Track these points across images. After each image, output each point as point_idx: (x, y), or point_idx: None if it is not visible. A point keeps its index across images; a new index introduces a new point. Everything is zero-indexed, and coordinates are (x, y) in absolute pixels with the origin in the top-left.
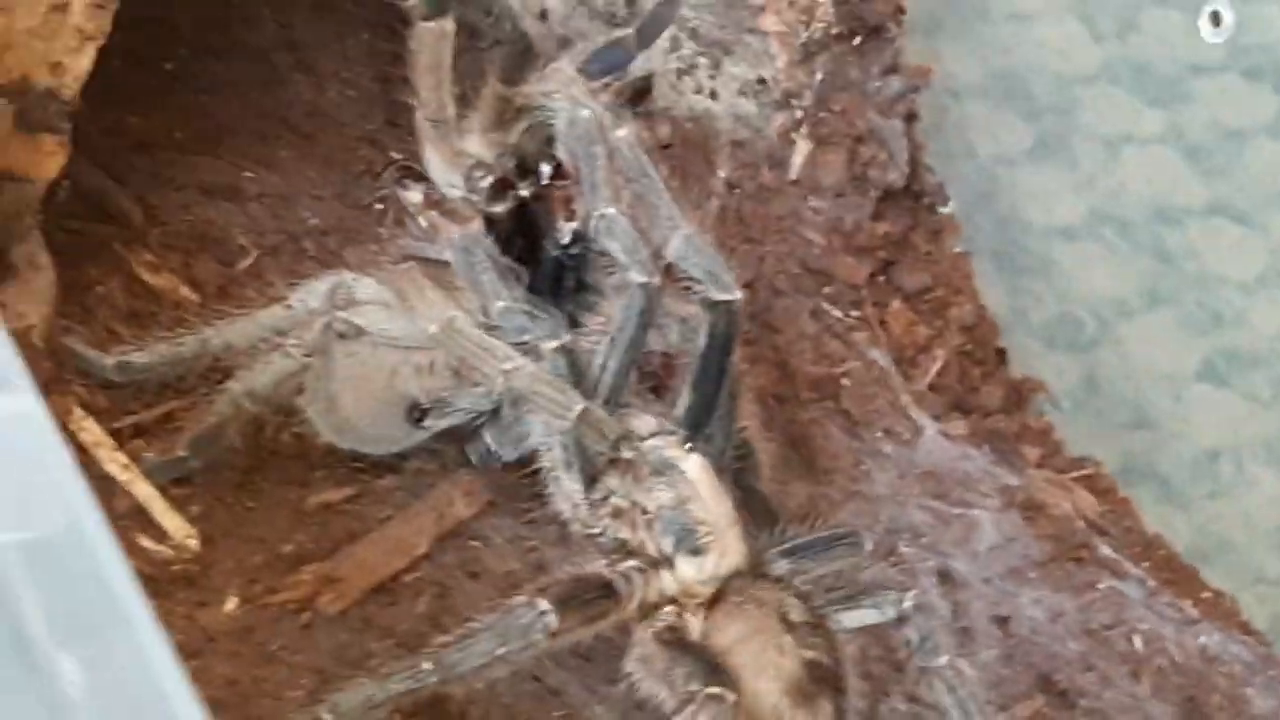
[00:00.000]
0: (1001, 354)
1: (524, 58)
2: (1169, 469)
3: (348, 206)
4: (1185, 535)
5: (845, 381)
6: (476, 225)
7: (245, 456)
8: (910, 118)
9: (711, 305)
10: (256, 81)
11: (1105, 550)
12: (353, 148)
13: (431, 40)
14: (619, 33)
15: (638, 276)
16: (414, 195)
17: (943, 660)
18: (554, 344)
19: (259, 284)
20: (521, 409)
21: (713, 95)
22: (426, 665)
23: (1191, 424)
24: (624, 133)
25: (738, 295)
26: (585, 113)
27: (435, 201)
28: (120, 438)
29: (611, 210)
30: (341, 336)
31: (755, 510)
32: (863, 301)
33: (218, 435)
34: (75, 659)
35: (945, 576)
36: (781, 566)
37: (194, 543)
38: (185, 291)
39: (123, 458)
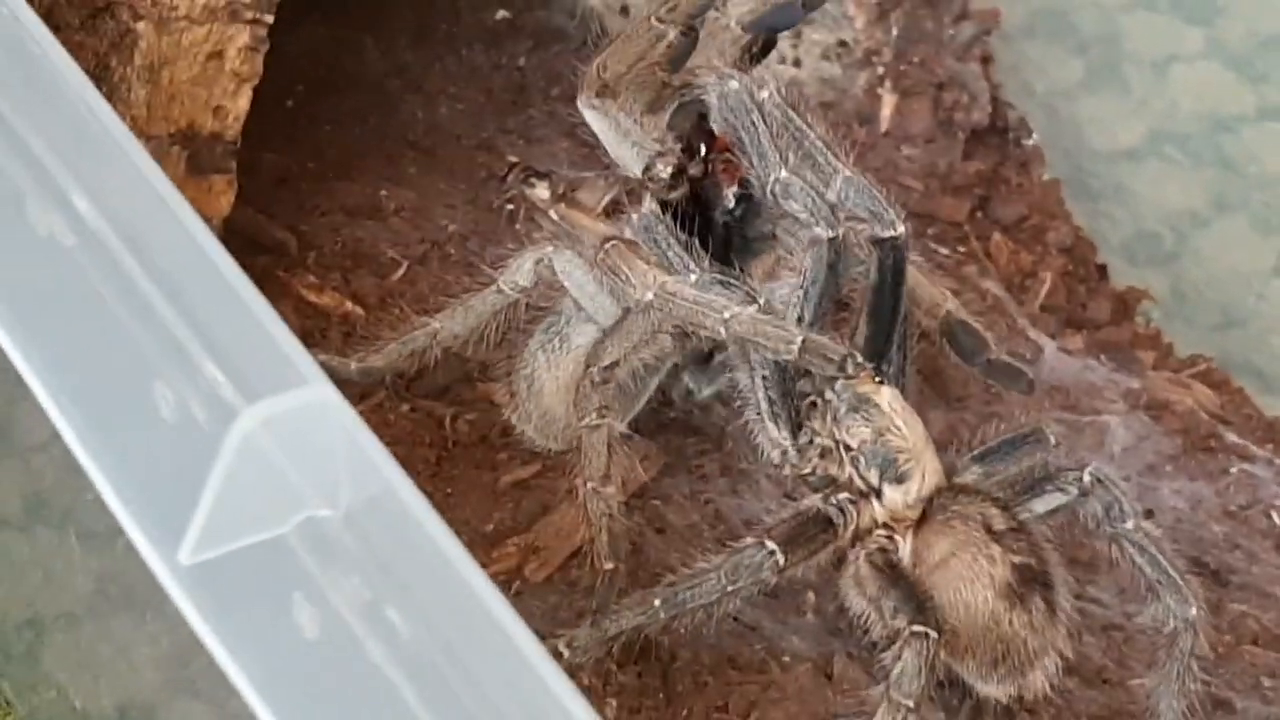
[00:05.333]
0: (1102, 269)
1: (693, 47)
2: (1264, 362)
3: (480, 210)
4: None
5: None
6: (651, 205)
7: (433, 449)
8: (986, 59)
9: (878, 243)
10: (373, 107)
11: (1231, 437)
12: (472, 156)
13: (652, 38)
14: None
15: (824, 232)
16: (541, 192)
17: (1130, 524)
18: (753, 309)
19: (415, 290)
20: (746, 353)
21: (797, 63)
22: (657, 602)
23: (1278, 317)
24: (767, 93)
25: (901, 230)
26: (733, 84)
27: (561, 195)
28: None
29: (784, 174)
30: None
31: (1000, 373)
32: (966, 237)
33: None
34: (405, 616)
35: None
36: (974, 472)
37: None
38: (350, 306)
39: None
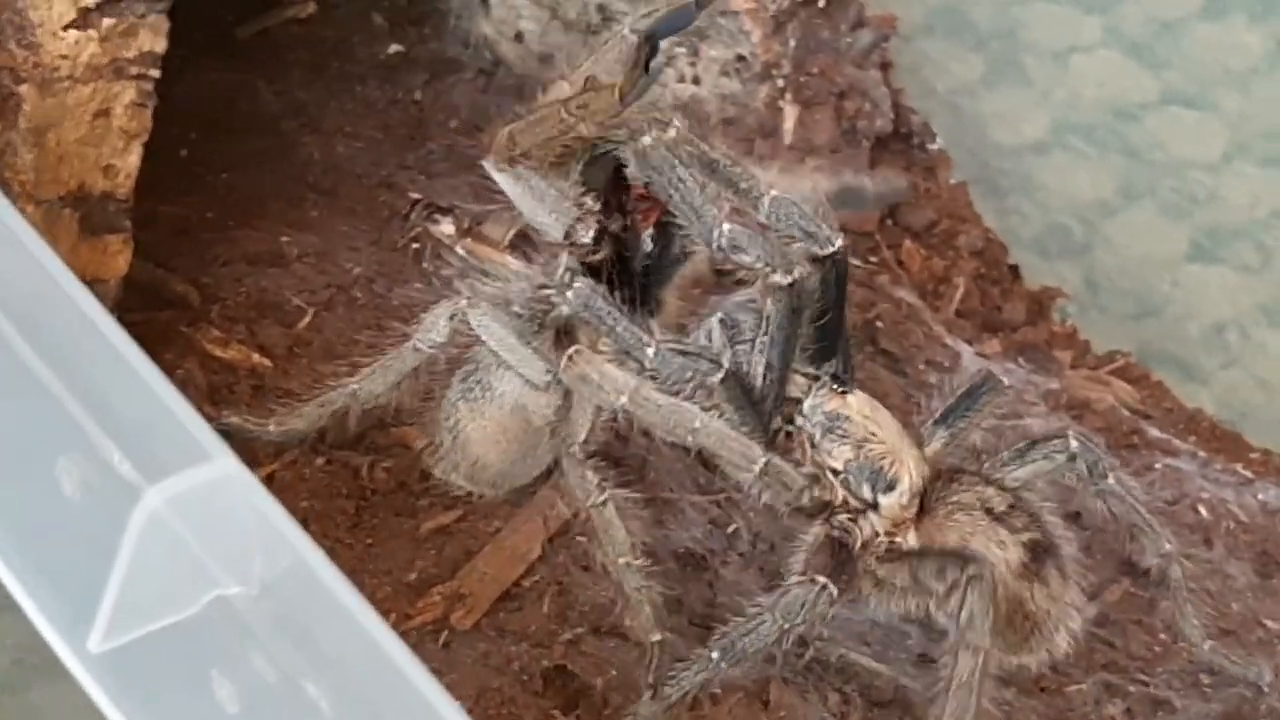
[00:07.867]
0: (1015, 270)
1: None
2: (1181, 349)
3: (385, 251)
4: (1212, 406)
5: (879, 324)
6: (575, 268)
7: (351, 500)
8: (885, 66)
9: (819, 261)
10: (270, 150)
11: (1154, 432)
12: (373, 195)
13: (563, 128)
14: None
15: (781, 279)
16: (445, 228)
17: (1111, 480)
18: (719, 376)
19: (322, 338)
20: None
21: (696, 81)
22: (715, 655)
23: (1192, 303)
24: (673, 133)
25: (839, 244)
26: (647, 140)
27: (466, 230)
28: None
29: (727, 226)
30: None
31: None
32: (878, 246)
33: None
34: (321, 686)
35: None
36: (941, 437)
37: None
38: (258, 359)
39: None
